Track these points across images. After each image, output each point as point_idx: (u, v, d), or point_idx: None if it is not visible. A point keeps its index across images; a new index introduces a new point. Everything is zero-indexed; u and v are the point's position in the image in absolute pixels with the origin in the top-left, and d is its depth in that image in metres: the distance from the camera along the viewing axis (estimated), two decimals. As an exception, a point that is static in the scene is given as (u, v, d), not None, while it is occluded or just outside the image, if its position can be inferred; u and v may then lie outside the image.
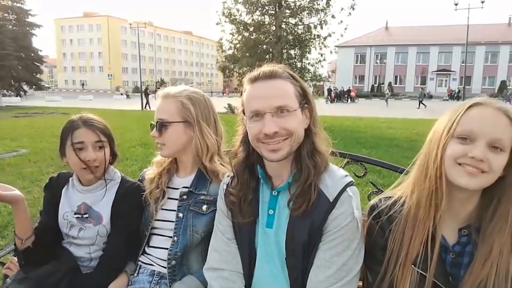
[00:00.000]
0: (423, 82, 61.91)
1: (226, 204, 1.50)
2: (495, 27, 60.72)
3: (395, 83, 62.81)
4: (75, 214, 1.78)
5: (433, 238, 1.19)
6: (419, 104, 34.43)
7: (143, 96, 29.38)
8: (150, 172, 1.84)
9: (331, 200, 1.30)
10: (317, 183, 1.32)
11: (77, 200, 1.81)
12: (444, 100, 47.72)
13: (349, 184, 1.34)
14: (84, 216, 1.77)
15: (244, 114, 1.39)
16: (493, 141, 1.09)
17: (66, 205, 1.81)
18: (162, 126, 1.70)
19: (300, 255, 1.33)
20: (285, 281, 1.37)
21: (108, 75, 40.91)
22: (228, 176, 1.55)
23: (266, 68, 1.36)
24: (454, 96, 49.40)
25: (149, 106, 27.94)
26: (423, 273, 1.19)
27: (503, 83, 54.67)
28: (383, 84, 61.55)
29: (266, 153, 1.32)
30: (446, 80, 60.74)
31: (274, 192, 1.41)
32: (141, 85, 35.64)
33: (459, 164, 1.12)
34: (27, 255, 1.70)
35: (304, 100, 1.36)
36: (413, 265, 1.20)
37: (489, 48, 57.53)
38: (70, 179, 1.86)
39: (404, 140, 11.58)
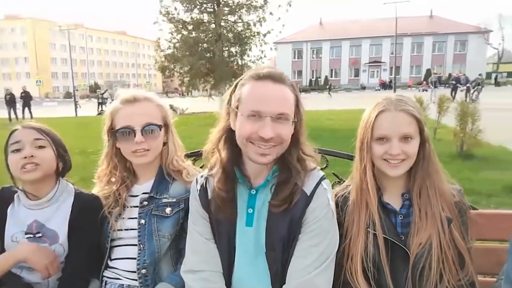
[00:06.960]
0: (357, 74, 65.04)
1: (202, 204, 1.47)
2: (419, 19, 65.21)
3: (331, 76, 65.27)
4: (26, 234, 1.61)
5: (381, 205, 1.45)
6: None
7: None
8: (103, 192, 1.71)
9: (308, 194, 1.36)
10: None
11: (27, 218, 1.63)
12: (376, 90, 50.44)
13: (323, 178, 1.42)
14: (37, 235, 1.61)
15: (237, 109, 1.33)
16: (403, 136, 1.39)
17: (13, 225, 1.63)
18: (150, 130, 1.62)
19: (280, 249, 1.38)
20: (265, 275, 1.40)
21: (37, 81, 37.81)
22: (202, 177, 1.52)
23: (275, 70, 1.35)
24: (386, 86, 52.34)
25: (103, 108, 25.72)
26: (375, 232, 1.40)
27: (428, 71, 59.01)
28: (319, 78, 63.72)
29: (254, 156, 1.32)
30: (377, 71, 64.25)
31: (253, 191, 1.42)
32: (74, 90, 33.69)
33: (384, 159, 1.41)
34: None
35: (298, 109, 1.38)
36: (368, 229, 1.42)
37: (415, 39, 61.78)
38: (16, 195, 1.67)
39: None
